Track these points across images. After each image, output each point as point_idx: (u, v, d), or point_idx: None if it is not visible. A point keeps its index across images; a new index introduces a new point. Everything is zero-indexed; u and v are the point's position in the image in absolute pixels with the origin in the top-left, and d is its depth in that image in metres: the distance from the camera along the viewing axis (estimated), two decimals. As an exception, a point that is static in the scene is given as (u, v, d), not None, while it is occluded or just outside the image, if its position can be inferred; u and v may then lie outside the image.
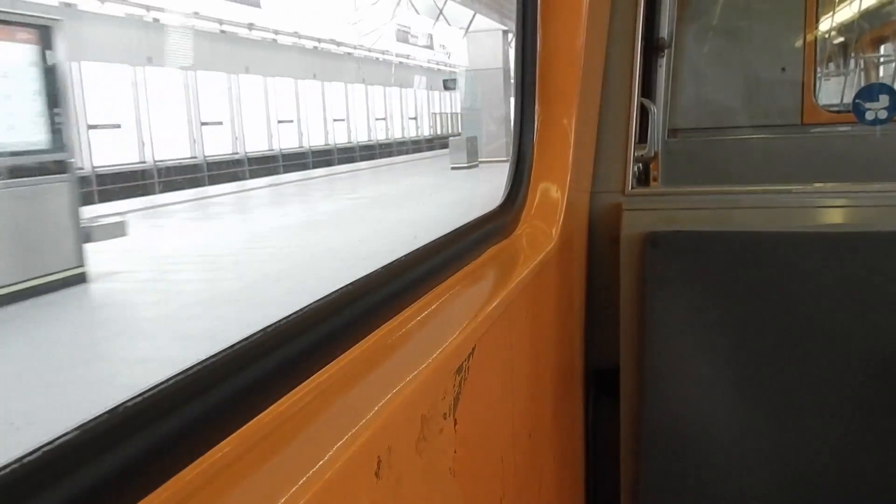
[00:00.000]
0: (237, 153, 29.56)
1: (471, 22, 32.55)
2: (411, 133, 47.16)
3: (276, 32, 30.53)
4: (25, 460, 0.54)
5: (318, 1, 30.73)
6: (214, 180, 26.61)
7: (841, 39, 8.08)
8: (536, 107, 1.95)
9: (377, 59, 40.26)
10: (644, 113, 2.48)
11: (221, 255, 12.00)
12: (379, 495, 0.80)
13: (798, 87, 5.50)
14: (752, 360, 2.14)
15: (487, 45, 31.42)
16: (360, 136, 40.57)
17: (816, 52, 5.74)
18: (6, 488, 0.52)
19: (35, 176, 8.88)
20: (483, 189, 19.44)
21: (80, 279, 9.20)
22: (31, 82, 8.91)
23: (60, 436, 0.58)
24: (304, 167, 32.92)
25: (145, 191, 23.46)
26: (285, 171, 31.24)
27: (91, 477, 0.58)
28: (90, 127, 21.62)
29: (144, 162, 24.47)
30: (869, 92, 4.94)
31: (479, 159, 27.94)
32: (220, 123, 28.50)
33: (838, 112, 5.79)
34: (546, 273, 1.76)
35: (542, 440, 1.76)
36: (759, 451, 2.14)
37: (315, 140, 35.54)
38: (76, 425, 0.59)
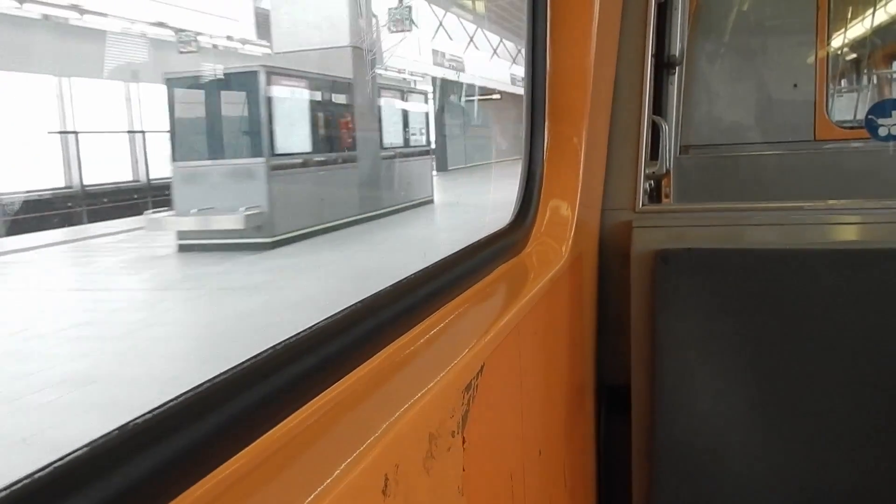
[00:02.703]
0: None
1: (497, 46, 36.08)
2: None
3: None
4: (37, 476, 0.55)
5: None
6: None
7: (853, 55, 8.07)
8: (546, 124, 1.96)
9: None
10: (655, 130, 2.49)
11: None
12: None
13: (810, 103, 5.49)
14: (765, 377, 2.13)
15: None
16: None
17: (829, 68, 5.74)
18: (19, 503, 0.53)
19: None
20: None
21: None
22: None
23: (73, 451, 0.58)
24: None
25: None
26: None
27: (102, 492, 0.58)
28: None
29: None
30: (882, 108, 4.92)
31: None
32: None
33: (851, 128, 5.78)
34: (556, 291, 1.76)
35: (552, 458, 1.75)
36: (771, 469, 2.13)
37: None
38: (88, 441, 0.60)
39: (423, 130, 22.36)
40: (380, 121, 19.35)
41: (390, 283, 1.14)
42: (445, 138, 33.95)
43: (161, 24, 19.88)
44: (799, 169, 4.81)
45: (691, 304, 2.15)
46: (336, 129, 17.03)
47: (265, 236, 13.12)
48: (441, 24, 31.88)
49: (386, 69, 22.98)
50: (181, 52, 18.94)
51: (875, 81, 8.38)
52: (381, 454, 0.78)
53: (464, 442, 1.04)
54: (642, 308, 2.19)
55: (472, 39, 34.86)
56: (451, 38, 32.58)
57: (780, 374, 2.12)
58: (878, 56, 7.87)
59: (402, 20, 21.31)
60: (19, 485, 0.53)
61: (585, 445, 2.22)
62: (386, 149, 19.49)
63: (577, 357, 2.08)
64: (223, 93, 14.53)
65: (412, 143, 21.24)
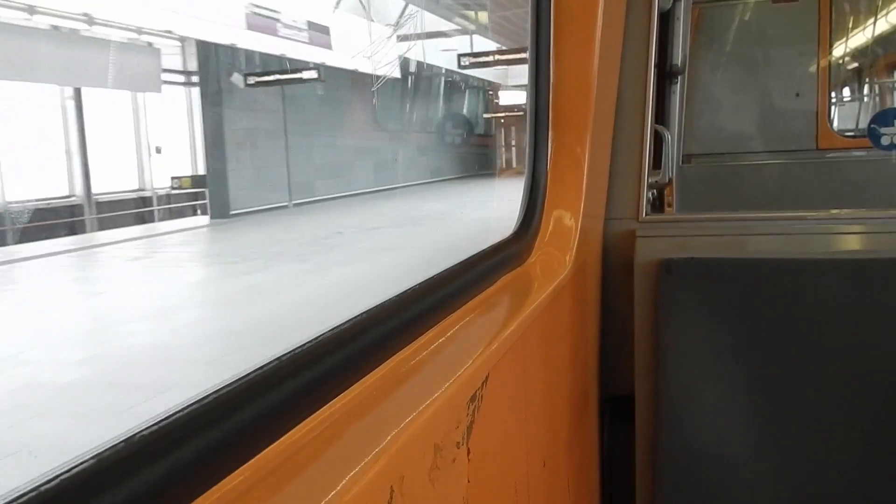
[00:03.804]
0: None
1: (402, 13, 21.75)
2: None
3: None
4: (42, 488, 0.54)
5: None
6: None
7: (855, 65, 8.09)
8: (550, 134, 1.96)
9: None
10: (658, 139, 2.49)
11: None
12: None
13: (812, 112, 5.50)
14: (768, 387, 2.12)
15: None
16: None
17: (831, 78, 5.75)
18: None
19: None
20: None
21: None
22: None
23: (76, 465, 0.58)
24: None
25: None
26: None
27: None
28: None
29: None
30: (884, 117, 4.93)
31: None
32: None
33: (854, 137, 5.79)
34: (560, 300, 1.76)
35: (556, 469, 1.74)
36: (775, 478, 2.12)
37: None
38: (92, 454, 0.59)
39: None
40: None
41: (395, 294, 1.14)
42: (222, 151, 19.74)
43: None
44: (801, 178, 4.81)
45: (695, 313, 2.15)
46: None
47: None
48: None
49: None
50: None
51: (877, 90, 8.39)
52: (387, 465, 0.78)
53: (469, 453, 1.04)
54: (646, 317, 2.18)
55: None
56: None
57: (783, 384, 2.11)
58: (879, 65, 7.88)
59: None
60: (24, 497, 0.53)
61: (589, 456, 2.22)
62: None
63: (581, 367, 2.07)
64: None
65: None
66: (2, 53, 14.10)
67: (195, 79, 20.99)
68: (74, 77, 16.98)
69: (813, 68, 5.65)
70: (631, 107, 2.24)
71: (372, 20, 22.64)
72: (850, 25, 6.77)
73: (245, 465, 0.71)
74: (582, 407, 2.09)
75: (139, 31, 16.80)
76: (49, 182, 18.19)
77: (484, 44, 27.44)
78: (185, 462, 0.66)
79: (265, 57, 20.66)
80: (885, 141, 4.74)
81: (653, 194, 2.74)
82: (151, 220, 20.64)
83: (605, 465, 2.33)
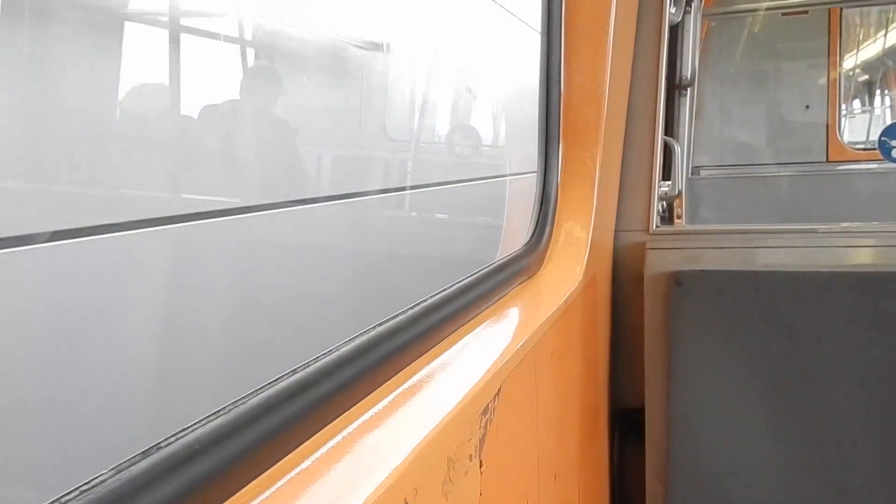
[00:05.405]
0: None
1: None
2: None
3: None
4: (63, 499, 0.55)
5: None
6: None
7: (866, 77, 8.06)
8: (560, 146, 1.97)
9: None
10: (668, 151, 2.49)
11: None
12: None
13: (823, 124, 5.49)
14: (779, 399, 2.11)
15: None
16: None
17: (841, 90, 5.74)
18: None
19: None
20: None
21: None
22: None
23: (96, 476, 0.58)
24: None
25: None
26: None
27: None
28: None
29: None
30: (895, 129, 4.91)
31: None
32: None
33: (864, 149, 5.77)
34: (571, 312, 1.76)
35: (568, 482, 1.74)
36: (787, 493, 2.10)
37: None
38: (112, 467, 0.60)
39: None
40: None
41: (408, 306, 1.14)
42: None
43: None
44: (811, 190, 4.80)
45: (705, 325, 2.14)
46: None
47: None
48: None
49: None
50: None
51: (888, 103, 8.37)
52: (401, 478, 0.78)
53: (481, 466, 1.04)
54: (656, 330, 2.18)
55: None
56: None
57: (794, 397, 2.10)
58: (890, 77, 7.86)
59: None
60: None
61: (600, 469, 2.21)
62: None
63: (592, 379, 2.07)
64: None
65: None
66: None
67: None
68: None
69: (823, 80, 5.64)
70: (641, 119, 2.24)
71: None
72: (861, 37, 6.76)
73: (259, 478, 0.72)
74: (593, 420, 2.09)
75: None
76: None
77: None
78: (200, 475, 0.66)
79: None
80: (895, 153, 4.73)
81: (662, 206, 2.74)
82: None
83: (616, 478, 2.32)
